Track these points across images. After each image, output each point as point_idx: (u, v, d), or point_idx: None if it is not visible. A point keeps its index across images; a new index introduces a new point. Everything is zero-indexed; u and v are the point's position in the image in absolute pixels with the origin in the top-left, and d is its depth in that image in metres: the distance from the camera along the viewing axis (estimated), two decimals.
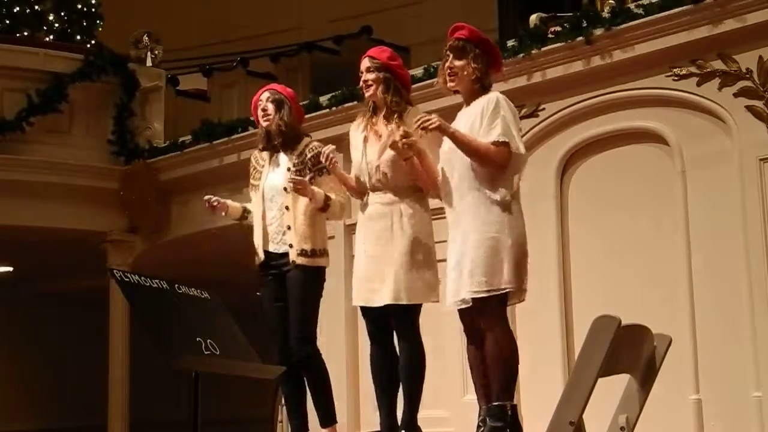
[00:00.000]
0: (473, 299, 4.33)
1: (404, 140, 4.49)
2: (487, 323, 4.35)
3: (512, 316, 6.10)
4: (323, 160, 4.92)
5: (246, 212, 5.32)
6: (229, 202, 5.34)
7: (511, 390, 4.36)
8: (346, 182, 4.99)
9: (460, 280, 4.38)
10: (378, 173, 4.81)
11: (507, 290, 4.32)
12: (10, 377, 12.46)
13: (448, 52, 4.53)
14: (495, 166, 4.36)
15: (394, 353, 4.84)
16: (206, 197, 5.29)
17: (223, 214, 5.33)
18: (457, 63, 4.50)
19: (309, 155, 5.14)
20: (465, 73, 4.49)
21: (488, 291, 4.30)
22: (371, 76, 4.87)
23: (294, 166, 5.11)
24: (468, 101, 4.55)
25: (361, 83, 4.94)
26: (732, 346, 5.62)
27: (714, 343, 5.66)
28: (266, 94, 5.28)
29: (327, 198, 5.06)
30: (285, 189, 5.11)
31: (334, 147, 4.96)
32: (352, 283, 4.93)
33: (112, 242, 9.80)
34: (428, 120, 4.39)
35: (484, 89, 4.50)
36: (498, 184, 4.37)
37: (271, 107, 5.21)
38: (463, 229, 4.40)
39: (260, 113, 5.25)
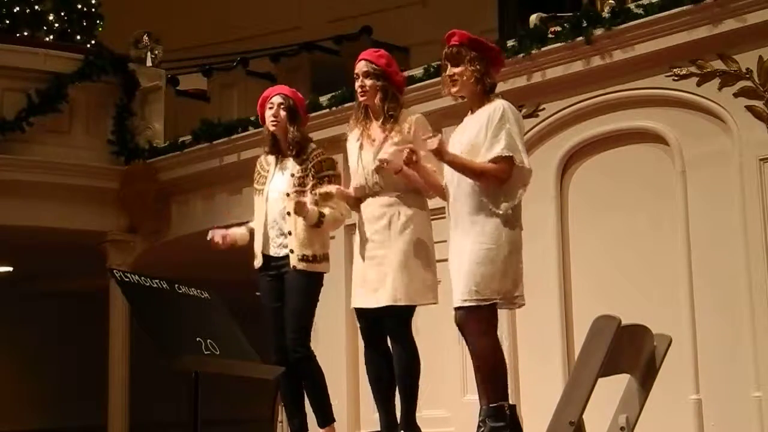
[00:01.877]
0: (461, 307, 4.36)
1: (409, 155, 4.49)
2: (474, 329, 4.38)
3: (512, 316, 6.13)
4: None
5: (253, 232, 5.26)
6: (232, 231, 5.25)
7: (504, 391, 4.38)
8: (348, 199, 4.97)
9: (457, 286, 4.41)
10: (375, 176, 4.81)
11: (496, 301, 4.35)
12: (10, 377, 12.46)
13: (445, 61, 4.54)
14: (497, 182, 4.37)
15: (389, 354, 4.83)
16: (210, 235, 5.21)
17: (233, 246, 5.26)
18: (456, 70, 4.51)
19: (312, 162, 5.13)
20: (465, 78, 4.49)
21: (477, 300, 4.32)
22: (369, 82, 4.84)
23: (298, 172, 5.10)
24: (473, 107, 4.55)
25: (356, 87, 4.91)
26: (732, 346, 5.61)
27: (714, 343, 5.66)
28: (278, 99, 5.19)
29: (320, 215, 5.01)
30: (287, 194, 5.09)
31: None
32: (352, 285, 4.93)
33: (112, 242, 9.78)
34: (430, 140, 4.40)
35: (488, 91, 4.51)
36: (500, 197, 4.37)
37: (283, 115, 5.16)
38: (462, 236, 4.41)
39: (269, 116, 5.19)
